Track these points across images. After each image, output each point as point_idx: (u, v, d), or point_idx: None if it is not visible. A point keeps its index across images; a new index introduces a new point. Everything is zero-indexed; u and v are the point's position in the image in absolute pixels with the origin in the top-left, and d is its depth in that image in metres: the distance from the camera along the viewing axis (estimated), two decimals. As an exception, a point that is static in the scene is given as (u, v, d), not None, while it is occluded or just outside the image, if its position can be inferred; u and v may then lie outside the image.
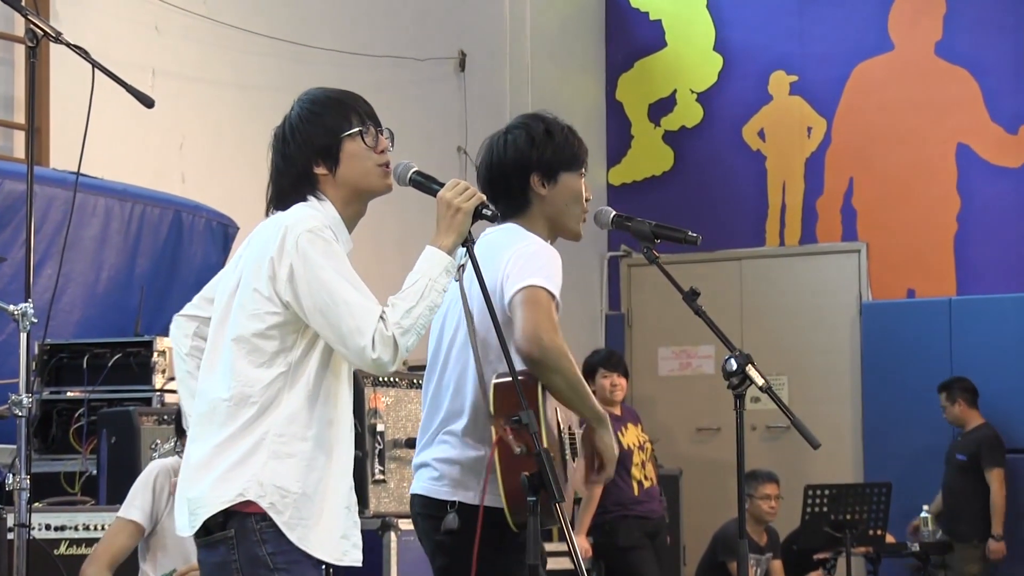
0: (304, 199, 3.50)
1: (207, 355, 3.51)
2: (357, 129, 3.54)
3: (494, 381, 3.83)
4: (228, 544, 3.37)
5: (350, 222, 3.56)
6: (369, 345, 3.31)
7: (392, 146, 3.59)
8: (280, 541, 3.35)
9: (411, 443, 6.18)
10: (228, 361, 3.42)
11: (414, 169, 3.65)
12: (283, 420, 3.38)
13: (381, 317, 3.33)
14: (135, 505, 5.14)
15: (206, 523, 3.39)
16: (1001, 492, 10.07)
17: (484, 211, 3.53)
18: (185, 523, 3.45)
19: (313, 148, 3.52)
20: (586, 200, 4.15)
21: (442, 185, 3.59)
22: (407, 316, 3.35)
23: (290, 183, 3.52)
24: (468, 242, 3.53)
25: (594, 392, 8.52)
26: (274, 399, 3.39)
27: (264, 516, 3.34)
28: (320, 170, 3.51)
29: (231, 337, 3.43)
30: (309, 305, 3.36)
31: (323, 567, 3.43)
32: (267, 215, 3.56)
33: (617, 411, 8.62)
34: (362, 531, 3.53)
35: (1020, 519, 10.34)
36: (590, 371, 8.54)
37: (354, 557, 3.47)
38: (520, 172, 4.08)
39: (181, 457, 3.62)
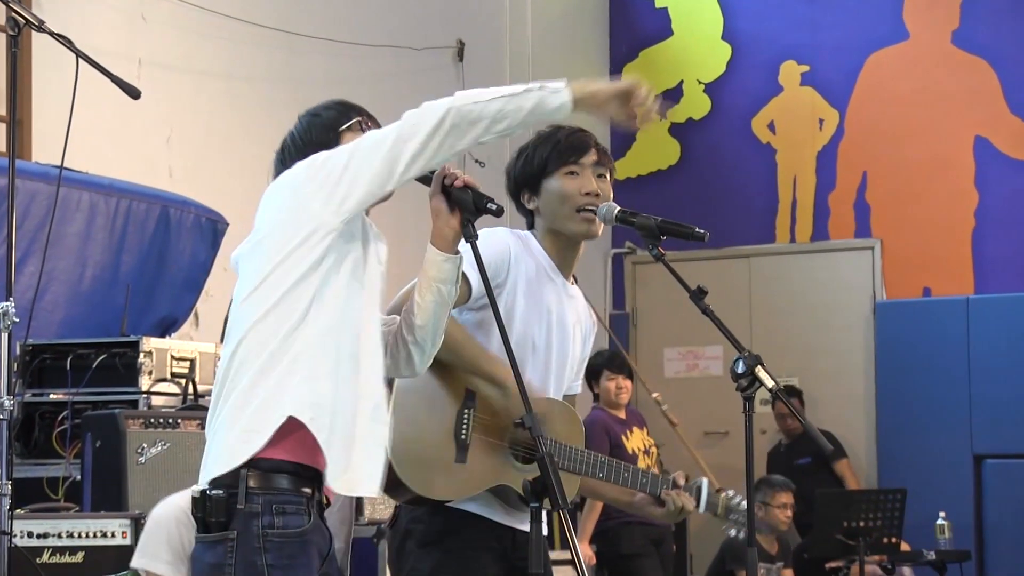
0: None
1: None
2: (356, 119, 3.59)
3: None
4: (228, 546, 3.31)
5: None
6: (442, 105, 3.44)
7: None
8: (283, 552, 3.30)
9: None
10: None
11: None
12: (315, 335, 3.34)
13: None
14: (161, 559, 5.01)
15: (205, 519, 3.32)
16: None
17: (489, 205, 3.54)
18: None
19: (313, 146, 3.54)
20: (586, 194, 4.14)
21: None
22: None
23: None
24: (470, 236, 3.54)
25: (597, 396, 8.58)
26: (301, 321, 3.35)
27: (272, 523, 3.29)
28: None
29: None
30: (349, 164, 3.36)
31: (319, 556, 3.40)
32: None
33: (622, 415, 8.63)
34: (356, 539, 3.52)
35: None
36: (594, 373, 8.54)
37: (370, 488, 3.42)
38: (513, 195, 4.26)
39: None
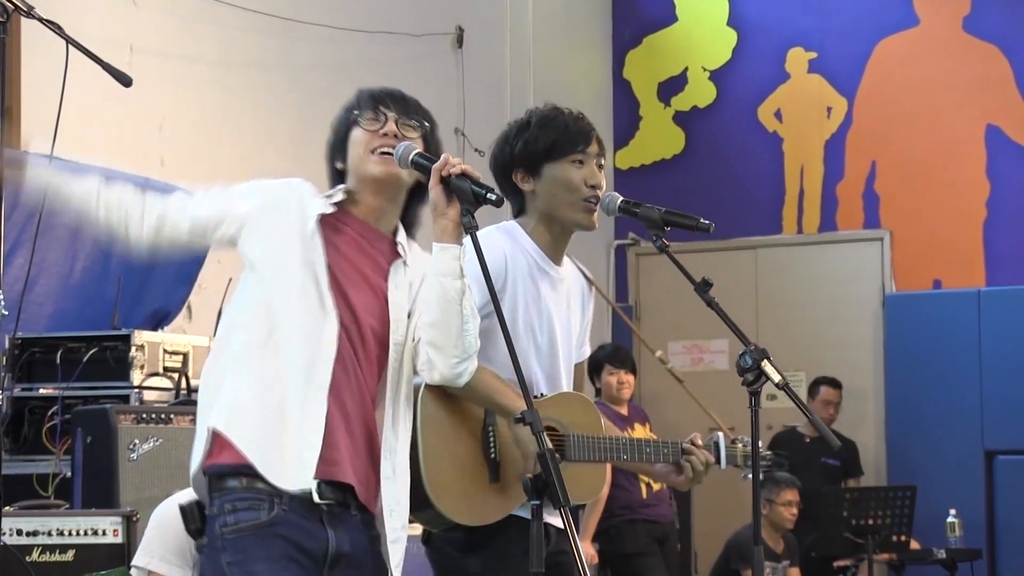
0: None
1: None
2: (355, 113, 3.64)
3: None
4: (204, 553, 3.46)
5: (373, 216, 3.65)
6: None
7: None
8: (236, 547, 3.39)
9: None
10: None
11: (416, 151, 3.66)
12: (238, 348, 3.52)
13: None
14: (166, 559, 5.01)
15: (190, 529, 3.50)
16: None
17: (489, 195, 3.54)
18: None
19: (330, 145, 3.70)
20: (591, 186, 4.15)
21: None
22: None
23: (331, 178, 3.72)
24: (471, 227, 3.54)
25: (599, 390, 8.57)
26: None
27: (225, 522, 3.40)
28: (340, 165, 3.68)
29: None
30: None
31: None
32: None
33: (624, 410, 8.63)
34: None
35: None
36: (595, 368, 8.54)
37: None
38: (501, 170, 4.23)
39: None
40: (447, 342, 3.58)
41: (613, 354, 8.65)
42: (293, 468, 3.42)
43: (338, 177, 3.68)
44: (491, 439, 3.96)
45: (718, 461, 4.39)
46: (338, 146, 3.68)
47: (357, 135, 3.64)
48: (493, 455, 3.95)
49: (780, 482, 9.35)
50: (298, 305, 3.49)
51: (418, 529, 4.06)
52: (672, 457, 4.30)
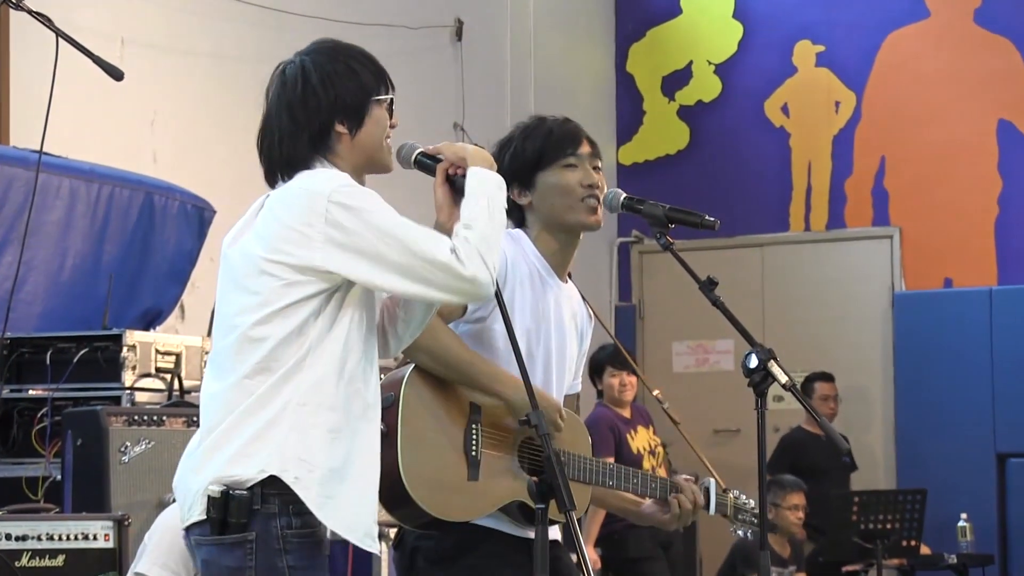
0: (310, 166, 3.45)
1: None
2: (389, 97, 3.55)
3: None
4: (247, 548, 3.33)
5: None
6: (456, 263, 3.31)
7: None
8: (303, 553, 3.34)
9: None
10: (236, 343, 3.40)
11: (419, 150, 3.66)
12: (306, 388, 3.34)
13: (455, 242, 3.35)
14: (168, 567, 4.99)
15: (224, 518, 3.33)
16: None
17: None
18: (187, 511, 3.40)
19: (342, 104, 3.48)
20: (587, 186, 4.13)
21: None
22: (489, 228, 3.40)
23: (307, 140, 3.46)
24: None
25: (600, 392, 8.56)
26: (297, 365, 3.35)
27: (290, 523, 3.32)
28: (341, 128, 3.48)
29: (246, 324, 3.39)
30: (367, 263, 3.31)
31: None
32: (273, 185, 3.50)
33: (627, 412, 8.62)
34: (351, 543, 3.54)
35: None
36: (597, 369, 8.53)
37: (372, 545, 3.46)
38: None
39: None
40: (411, 333, 3.63)
41: (615, 355, 8.64)
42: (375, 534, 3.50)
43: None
44: (474, 436, 3.95)
45: (707, 507, 4.38)
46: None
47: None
48: (474, 453, 3.94)
49: (785, 485, 9.35)
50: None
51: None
52: (660, 492, 4.28)
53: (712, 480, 4.44)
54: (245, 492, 3.30)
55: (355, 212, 3.32)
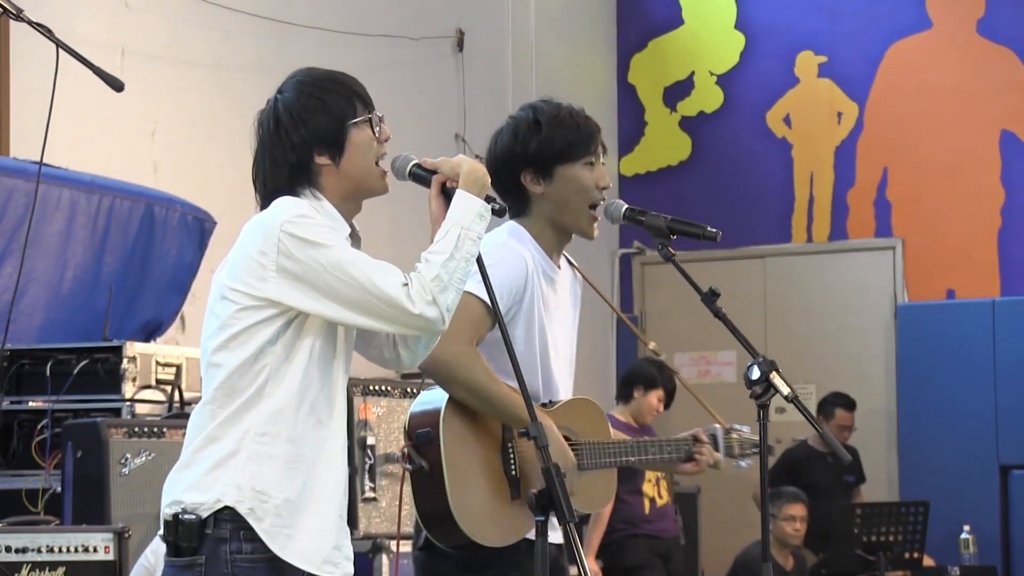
0: (295, 194, 3.48)
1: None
2: (366, 117, 3.53)
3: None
4: (196, 571, 3.41)
5: (347, 218, 3.56)
6: (405, 300, 3.33)
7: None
8: (253, 573, 3.38)
9: (404, 457, 6.18)
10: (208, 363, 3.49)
11: (414, 162, 3.66)
12: (265, 418, 3.40)
13: (409, 277, 3.36)
14: None
15: (176, 541, 3.41)
16: None
17: (492, 205, 3.54)
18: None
19: (317, 136, 3.49)
20: (602, 188, 4.15)
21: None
22: (444, 269, 3.38)
23: (286, 176, 3.49)
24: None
25: (627, 398, 8.53)
26: (257, 394, 3.41)
27: (240, 547, 3.37)
28: (322, 160, 3.49)
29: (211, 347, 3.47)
30: (316, 295, 3.36)
31: None
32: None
33: (637, 426, 8.62)
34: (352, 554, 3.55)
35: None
36: (647, 382, 8.53)
37: (346, 570, 3.49)
38: (507, 169, 4.15)
39: None
40: (425, 345, 3.65)
41: (670, 380, 8.61)
42: (342, 560, 3.54)
43: None
44: (511, 456, 3.97)
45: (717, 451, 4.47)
46: None
47: None
48: (514, 472, 3.96)
49: (784, 496, 9.35)
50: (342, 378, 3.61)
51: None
52: (675, 454, 4.37)
53: (717, 426, 4.54)
54: (194, 516, 3.39)
55: (307, 244, 3.36)
